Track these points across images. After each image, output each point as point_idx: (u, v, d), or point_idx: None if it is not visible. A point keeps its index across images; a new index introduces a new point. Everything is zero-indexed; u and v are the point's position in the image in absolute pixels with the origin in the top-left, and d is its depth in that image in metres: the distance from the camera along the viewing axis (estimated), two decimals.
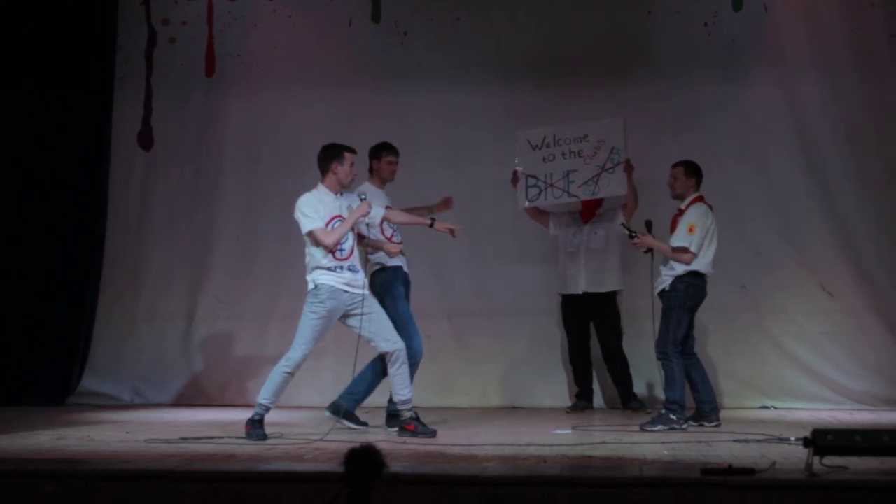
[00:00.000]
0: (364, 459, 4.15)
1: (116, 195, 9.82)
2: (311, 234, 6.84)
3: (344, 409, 7.39)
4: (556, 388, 9.14)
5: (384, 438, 6.74)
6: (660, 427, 7.18)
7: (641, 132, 8.62)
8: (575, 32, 9.32)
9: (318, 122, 9.48)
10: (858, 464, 5.06)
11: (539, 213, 8.88)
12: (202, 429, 7.33)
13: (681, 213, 7.55)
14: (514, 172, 8.61)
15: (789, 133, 9.10)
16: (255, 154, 9.67)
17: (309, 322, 6.84)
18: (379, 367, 7.40)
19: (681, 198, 7.61)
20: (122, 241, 9.77)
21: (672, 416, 7.24)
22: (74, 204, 9.68)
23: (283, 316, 9.37)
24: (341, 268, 6.87)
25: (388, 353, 6.97)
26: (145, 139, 9.80)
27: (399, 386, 6.99)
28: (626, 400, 8.76)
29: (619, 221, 8.16)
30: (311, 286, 6.87)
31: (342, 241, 6.87)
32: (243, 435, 6.73)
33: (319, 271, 6.84)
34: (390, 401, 7.35)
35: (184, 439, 6.66)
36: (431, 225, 7.38)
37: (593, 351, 8.91)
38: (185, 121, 9.78)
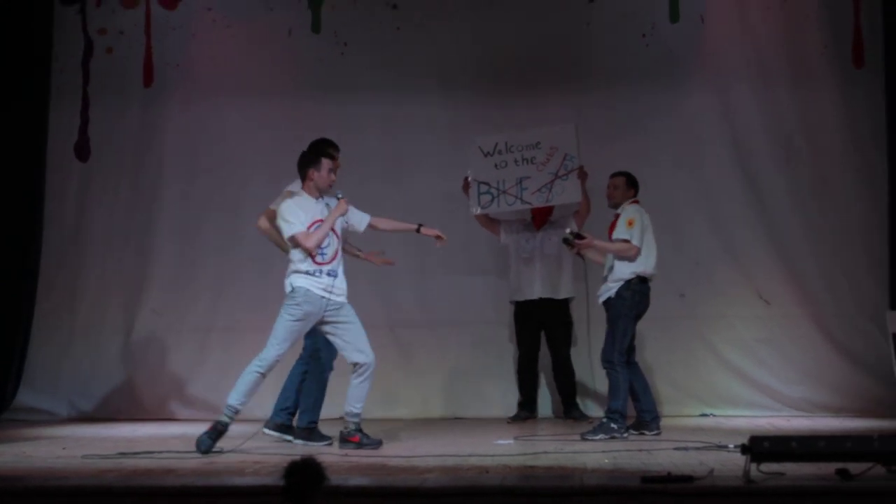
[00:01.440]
0: (304, 473, 4.14)
1: (52, 207, 9.67)
2: (292, 238, 6.84)
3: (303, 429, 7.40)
4: (499, 399, 9.14)
5: (324, 451, 6.71)
6: (601, 436, 7.22)
7: (582, 141, 8.66)
8: (515, 43, 9.37)
9: (257, 133, 9.46)
10: (795, 470, 5.13)
11: (490, 222, 8.89)
12: (141, 443, 7.23)
13: (617, 217, 7.64)
14: (466, 179, 8.62)
15: (726, 142, 9.22)
16: (194, 165, 9.59)
17: (283, 323, 6.82)
18: (311, 376, 7.40)
19: (617, 206, 7.70)
20: (59, 253, 9.63)
21: (613, 426, 7.29)
22: (9, 216, 9.50)
23: (222, 329, 9.33)
24: (320, 272, 6.86)
25: (358, 363, 6.95)
26: (82, 150, 9.67)
27: (356, 399, 6.97)
28: (569, 409, 8.80)
29: (571, 229, 8.14)
30: (287, 289, 6.87)
31: (323, 244, 6.86)
32: (183, 448, 6.65)
33: (297, 275, 6.85)
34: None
35: (122, 454, 6.57)
36: (418, 230, 7.38)
37: (541, 360, 8.95)
38: (123, 131, 9.67)
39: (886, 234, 8.91)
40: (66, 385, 9.47)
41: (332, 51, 9.54)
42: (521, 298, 8.88)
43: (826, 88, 9.13)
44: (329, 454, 6.48)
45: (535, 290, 8.79)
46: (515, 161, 8.53)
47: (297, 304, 6.82)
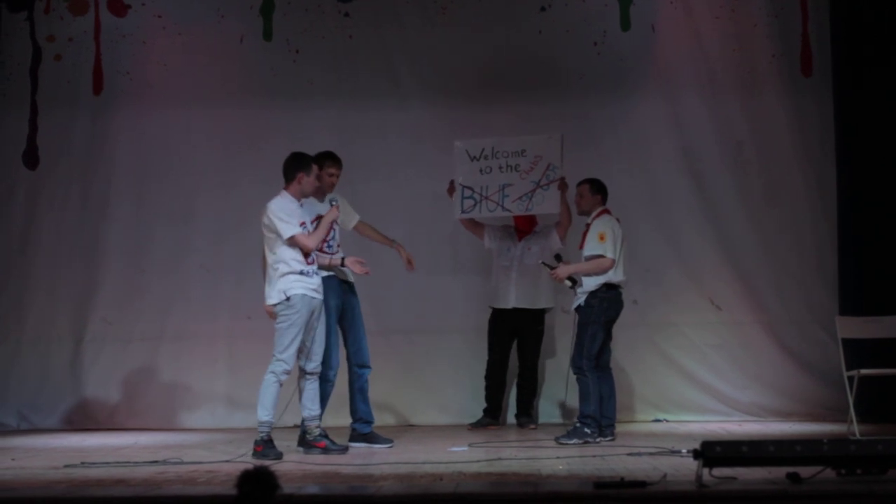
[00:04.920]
0: (257, 482, 4.12)
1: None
2: (292, 238, 6.83)
3: (368, 434, 7.50)
4: (453, 405, 9.15)
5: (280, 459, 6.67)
6: (575, 440, 7.31)
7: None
8: (466, 51, 9.39)
9: (209, 141, 9.42)
10: (746, 474, 5.17)
11: (475, 225, 8.88)
12: (91, 453, 7.15)
13: (588, 227, 7.68)
14: (451, 182, 8.61)
15: (677, 150, 9.29)
16: (144, 173, 9.51)
17: (286, 332, 6.82)
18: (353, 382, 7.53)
19: (587, 214, 7.77)
20: (6, 262, 9.49)
21: (586, 430, 7.36)
22: None
23: (172, 338, 9.26)
24: (311, 272, 6.93)
25: (307, 371, 7.01)
26: (30, 158, 9.56)
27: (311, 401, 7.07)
28: (520, 414, 8.83)
29: (543, 260, 8.14)
30: (281, 297, 6.84)
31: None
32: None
33: (290, 278, 6.83)
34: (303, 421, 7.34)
35: (71, 465, 6.48)
36: (393, 246, 7.64)
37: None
38: (73, 139, 9.56)
39: (836, 240, 9.00)
40: (14, 395, 9.36)
41: (285, 58, 9.50)
42: (497, 305, 8.88)
43: (775, 97, 9.23)
44: (282, 462, 6.43)
45: (510, 300, 8.79)
46: (500, 167, 8.53)
47: (296, 312, 6.83)
